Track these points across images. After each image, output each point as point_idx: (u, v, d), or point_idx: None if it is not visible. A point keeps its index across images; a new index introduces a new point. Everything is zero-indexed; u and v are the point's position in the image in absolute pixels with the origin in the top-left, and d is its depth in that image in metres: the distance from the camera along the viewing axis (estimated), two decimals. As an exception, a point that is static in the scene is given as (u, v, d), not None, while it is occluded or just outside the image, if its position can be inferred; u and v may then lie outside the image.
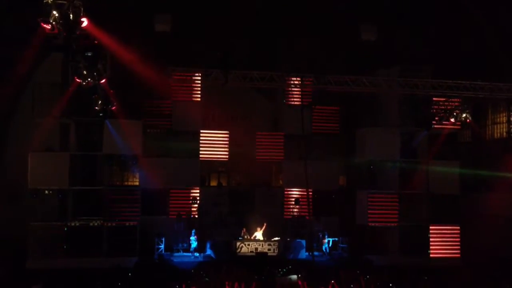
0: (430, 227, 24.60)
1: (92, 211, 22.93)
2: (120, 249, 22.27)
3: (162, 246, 23.54)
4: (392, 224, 24.36)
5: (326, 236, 24.52)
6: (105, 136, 23.16)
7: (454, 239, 24.60)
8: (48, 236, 22.35)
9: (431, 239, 24.49)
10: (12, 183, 22.92)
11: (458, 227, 24.57)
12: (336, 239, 24.72)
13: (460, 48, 24.31)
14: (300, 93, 24.62)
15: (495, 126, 31.58)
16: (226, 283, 17.17)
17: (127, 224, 22.85)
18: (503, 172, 24.31)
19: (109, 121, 22.82)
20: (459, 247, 24.43)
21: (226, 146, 25.75)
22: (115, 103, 21.75)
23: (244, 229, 23.69)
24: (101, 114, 21.75)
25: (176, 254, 23.64)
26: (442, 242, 24.54)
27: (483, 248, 21.72)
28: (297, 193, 25.52)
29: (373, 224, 24.28)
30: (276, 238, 23.51)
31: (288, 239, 23.76)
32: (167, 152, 25.34)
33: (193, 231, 23.61)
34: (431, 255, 24.31)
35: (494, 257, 21.45)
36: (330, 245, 24.41)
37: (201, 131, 25.52)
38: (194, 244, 23.42)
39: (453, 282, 18.24)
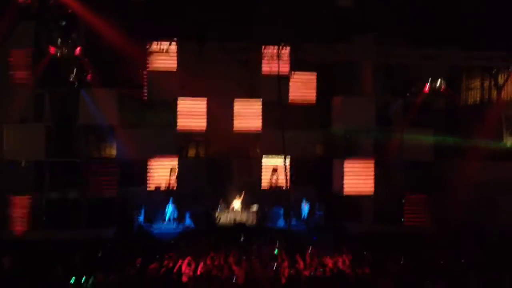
0: (404, 195, 25.15)
1: (70, 183, 22.87)
2: (99, 221, 22.30)
3: (141, 217, 23.69)
4: (368, 193, 24.81)
5: (304, 202, 24.96)
6: (80, 106, 22.87)
7: (426, 207, 25.20)
8: (25, 208, 22.26)
9: (405, 208, 25.07)
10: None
11: (431, 195, 25.14)
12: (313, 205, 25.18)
13: (435, 16, 24.41)
14: (276, 62, 24.52)
15: (469, 92, 32.08)
16: (206, 252, 17.47)
17: (105, 195, 22.87)
18: (475, 139, 24.81)
19: (84, 90, 22.53)
20: (431, 215, 25.04)
21: (204, 115, 25.73)
22: (90, 72, 21.45)
23: (222, 199, 23.97)
24: (76, 84, 21.49)
25: (155, 225, 23.81)
26: (415, 210, 25.15)
27: (456, 216, 22.32)
28: (275, 162, 25.74)
29: (348, 193, 24.68)
30: (254, 208, 23.85)
31: (266, 209, 24.11)
32: (143, 122, 25.24)
33: (170, 199, 23.78)
34: (405, 223, 24.92)
35: (467, 224, 22.09)
36: (308, 212, 24.86)
37: (179, 98, 25.38)
38: (169, 213, 23.65)
39: (424, 249, 18.77)
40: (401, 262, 16.98)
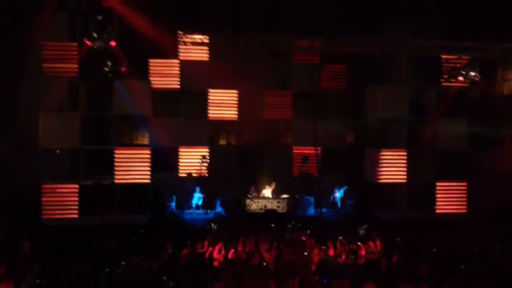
0: (437, 184, 24.86)
1: (104, 170, 23.33)
2: (132, 207, 22.72)
3: (173, 204, 24.05)
4: (401, 181, 24.60)
5: (338, 190, 24.91)
6: (114, 97, 23.25)
7: (460, 195, 24.92)
8: (61, 195, 22.81)
9: (437, 195, 24.81)
10: (25, 144, 23.24)
11: (465, 183, 24.82)
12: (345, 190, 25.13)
13: (469, 6, 23.96)
14: (308, 53, 24.55)
15: (505, 83, 31.42)
16: (237, 239, 17.64)
17: (138, 182, 23.28)
18: (510, 129, 24.36)
19: (119, 81, 22.95)
20: (465, 202, 24.77)
21: (235, 105, 25.98)
22: (124, 65, 21.84)
23: (253, 187, 24.12)
24: (110, 75, 21.89)
25: (187, 211, 24.11)
26: (448, 198, 24.88)
27: (489, 204, 21.98)
28: (306, 151, 25.75)
29: (381, 181, 24.53)
30: (285, 196, 23.92)
31: (297, 196, 24.16)
32: (176, 112, 25.60)
33: (197, 188, 24.04)
34: (436, 211, 24.65)
35: (500, 212, 21.75)
36: (341, 198, 24.83)
37: (210, 90, 25.70)
38: (196, 201, 23.93)
39: (458, 235, 18.57)
40: (434, 250, 16.81)
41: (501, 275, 14.41)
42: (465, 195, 24.84)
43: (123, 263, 14.85)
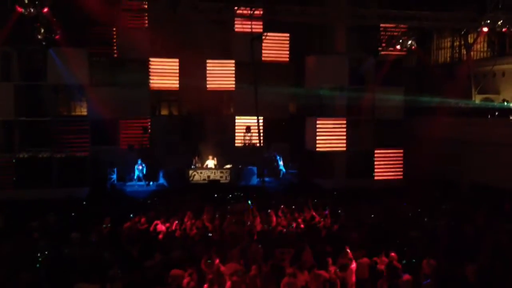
0: (375, 151, 25.63)
1: (40, 142, 22.58)
2: (71, 180, 22.15)
3: (114, 176, 23.64)
4: (340, 150, 25.16)
5: (280, 159, 25.20)
6: (49, 66, 22.39)
7: (397, 162, 25.83)
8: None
9: (375, 163, 25.61)
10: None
11: (401, 151, 25.70)
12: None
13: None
14: (250, 22, 24.26)
15: (440, 52, 32.47)
16: (180, 210, 17.61)
17: (77, 154, 22.68)
18: (445, 97, 25.27)
19: (53, 49, 22.03)
20: (402, 169, 25.70)
21: (176, 74, 25.57)
22: (58, 32, 20.92)
23: (196, 158, 24.03)
24: (44, 43, 20.97)
25: (128, 183, 23.78)
26: (385, 165, 25.75)
27: (424, 170, 22.91)
28: (248, 121, 25.81)
29: (321, 150, 24.99)
30: (228, 166, 24.00)
31: (240, 166, 24.30)
32: (114, 81, 24.92)
33: (139, 160, 23.71)
34: (375, 178, 25.49)
35: (434, 178, 22.72)
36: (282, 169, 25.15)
37: (150, 59, 25.13)
38: (137, 173, 23.63)
39: (395, 202, 19.29)
40: (372, 216, 17.43)
41: (435, 239, 15.18)
42: (401, 163, 25.75)
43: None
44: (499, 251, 13.23)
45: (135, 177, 23.70)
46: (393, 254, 12.61)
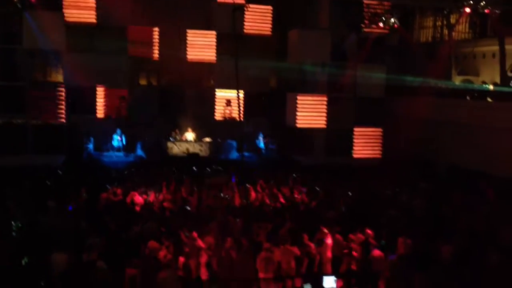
0: (354, 129, 25.69)
1: (15, 108, 22.05)
2: (47, 148, 21.75)
3: (91, 146, 23.25)
4: (320, 126, 25.15)
5: (261, 135, 25.09)
6: (25, 29, 21.72)
7: (376, 141, 25.96)
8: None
9: (355, 141, 25.69)
10: None
11: (381, 130, 25.81)
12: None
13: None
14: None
15: (422, 31, 32.47)
16: (158, 182, 17.49)
17: (53, 122, 22.22)
18: (425, 77, 25.34)
19: (29, 13, 21.35)
20: (380, 148, 25.85)
21: (156, 43, 25.08)
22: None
23: (176, 130, 23.77)
24: (19, 6, 20.36)
25: (106, 153, 23.42)
26: (365, 144, 25.86)
27: (403, 150, 23.09)
28: (228, 94, 25.55)
29: (301, 126, 24.96)
30: (207, 139, 23.81)
31: (219, 140, 24.12)
32: (92, 48, 24.33)
33: (118, 130, 23.35)
34: (354, 156, 25.61)
35: (413, 157, 22.90)
36: (261, 145, 25.06)
37: (129, 26, 24.54)
38: (115, 143, 23.31)
39: (373, 180, 19.44)
40: (349, 194, 17.54)
41: (411, 218, 15.38)
42: (380, 142, 25.89)
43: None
44: (474, 232, 13.46)
45: (115, 147, 23.32)
46: (368, 231, 12.76)
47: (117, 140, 23.33)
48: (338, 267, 12.13)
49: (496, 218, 14.77)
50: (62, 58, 22.92)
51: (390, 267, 11.38)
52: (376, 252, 11.80)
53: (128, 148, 23.32)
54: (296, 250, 11.90)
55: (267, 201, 16.23)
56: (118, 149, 23.34)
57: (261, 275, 11.09)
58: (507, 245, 12.47)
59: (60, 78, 23.35)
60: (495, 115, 20.59)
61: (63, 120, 22.39)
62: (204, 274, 11.29)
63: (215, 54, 25.65)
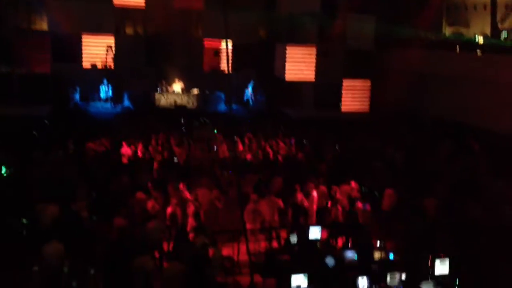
0: (343, 82, 25.56)
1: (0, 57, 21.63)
2: (33, 98, 21.46)
3: (77, 96, 22.95)
4: (309, 79, 24.97)
5: (250, 87, 24.86)
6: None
7: (364, 94, 25.90)
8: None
9: (343, 94, 25.61)
10: None
11: (369, 82, 25.71)
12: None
13: None
14: None
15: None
16: (145, 134, 17.43)
17: (38, 71, 21.85)
18: (415, 27, 25.02)
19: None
20: (369, 101, 25.83)
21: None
22: None
23: (163, 81, 23.48)
24: None
25: (92, 104, 23.15)
26: (353, 97, 25.81)
27: (391, 103, 23.09)
28: (217, 45, 25.16)
29: (290, 79, 24.76)
30: (195, 91, 23.60)
31: (207, 92, 23.90)
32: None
33: (104, 80, 23.02)
34: (342, 109, 25.59)
35: (400, 111, 22.93)
36: (250, 97, 24.88)
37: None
38: (102, 94, 23.03)
39: (360, 133, 19.51)
40: (336, 146, 17.64)
41: (397, 171, 15.57)
42: (369, 95, 25.83)
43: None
44: (458, 186, 13.67)
45: (102, 97, 23.03)
46: (353, 183, 12.93)
47: (104, 90, 23.05)
48: (324, 218, 12.33)
49: (480, 171, 14.99)
50: (47, 5, 22.30)
51: (374, 218, 11.61)
52: (360, 204, 12.00)
53: (115, 99, 23.06)
54: (280, 202, 12.06)
55: (255, 153, 16.29)
56: (105, 100, 23.10)
57: (248, 226, 11.25)
58: (490, 198, 12.72)
59: (44, 25, 22.82)
60: (483, 68, 20.52)
61: (48, 69, 21.99)
62: (191, 225, 11.43)
63: (203, 2, 25.02)
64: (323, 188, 12.93)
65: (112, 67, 23.91)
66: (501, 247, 10.16)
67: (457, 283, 9.12)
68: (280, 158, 16.05)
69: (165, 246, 10.65)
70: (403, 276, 9.10)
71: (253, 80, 24.93)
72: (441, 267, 9.33)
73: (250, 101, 24.70)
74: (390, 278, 9.05)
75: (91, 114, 21.64)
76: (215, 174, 14.24)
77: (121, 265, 8.87)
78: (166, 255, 10.41)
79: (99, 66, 23.96)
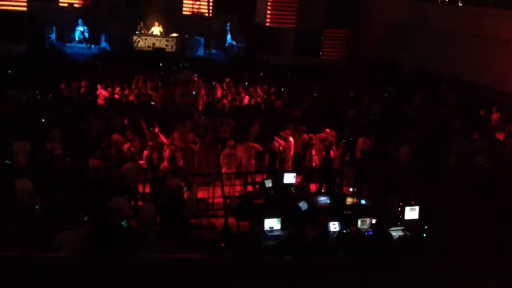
0: (324, 29, 25.28)
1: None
2: (7, 36, 20.81)
3: (53, 36, 22.33)
4: (289, 25, 24.64)
5: (229, 32, 24.42)
6: None
7: (345, 42, 25.70)
8: None
9: (324, 41, 25.39)
10: None
11: (351, 31, 25.46)
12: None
13: None
14: None
15: None
16: (122, 76, 17.18)
17: (13, 9, 21.14)
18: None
19: None
20: (349, 50, 25.65)
21: None
22: None
23: (142, 23, 22.91)
24: None
25: (68, 44, 22.57)
26: (333, 45, 25.59)
27: (371, 52, 22.99)
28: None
29: (271, 24, 24.41)
30: (174, 34, 23.12)
31: (186, 36, 23.44)
32: None
33: (80, 21, 22.34)
34: (322, 57, 25.44)
35: (380, 60, 22.89)
36: (229, 42, 24.48)
37: None
38: (78, 34, 22.42)
39: (339, 81, 19.52)
40: (314, 94, 17.67)
41: (373, 119, 15.73)
42: (349, 43, 25.64)
43: None
44: (431, 133, 13.88)
45: (76, 38, 22.45)
46: (328, 130, 13.07)
47: (79, 31, 22.41)
48: (300, 164, 12.50)
49: (453, 121, 15.21)
50: None
51: (347, 165, 11.79)
52: (335, 151, 12.15)
53: (91, 40, 22.48)
54: (258, 146, 12.16)
55: (233, 98, 16.22)
56: (79, 41, 22.49)
57: (223, 170, 11.34)
58: (462, 146, 12.98)
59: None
60: (465, 20, 20.41)
61: (24, 8, 21.27)
62: (167, 167, 11.47)
63: None
64: (300, 134, 13.03)
65: (90, 6, 23.18)
66: (471, 195, 10.45)
67: (425, 228, 9.38)
68: (258, 104, 16.03)
69: (140, 188, 10.72)
70: (373, 221, 9.36)
71: (233, 26, 24.44)
72: (411, 213, 9.59)
73: (230, 46, 24.32)
74: (361, 223, 9.30)
75: (67, 55, 21.15)
76: (193, 118, 14.19)
77: (97, 206, 8.94)
78: (142, 196, 10.51)
79: (77, 5, 23.20)
